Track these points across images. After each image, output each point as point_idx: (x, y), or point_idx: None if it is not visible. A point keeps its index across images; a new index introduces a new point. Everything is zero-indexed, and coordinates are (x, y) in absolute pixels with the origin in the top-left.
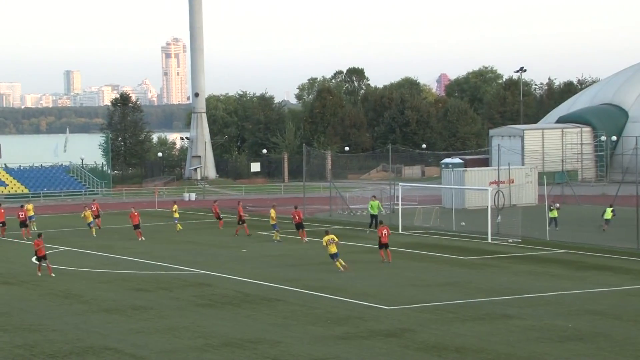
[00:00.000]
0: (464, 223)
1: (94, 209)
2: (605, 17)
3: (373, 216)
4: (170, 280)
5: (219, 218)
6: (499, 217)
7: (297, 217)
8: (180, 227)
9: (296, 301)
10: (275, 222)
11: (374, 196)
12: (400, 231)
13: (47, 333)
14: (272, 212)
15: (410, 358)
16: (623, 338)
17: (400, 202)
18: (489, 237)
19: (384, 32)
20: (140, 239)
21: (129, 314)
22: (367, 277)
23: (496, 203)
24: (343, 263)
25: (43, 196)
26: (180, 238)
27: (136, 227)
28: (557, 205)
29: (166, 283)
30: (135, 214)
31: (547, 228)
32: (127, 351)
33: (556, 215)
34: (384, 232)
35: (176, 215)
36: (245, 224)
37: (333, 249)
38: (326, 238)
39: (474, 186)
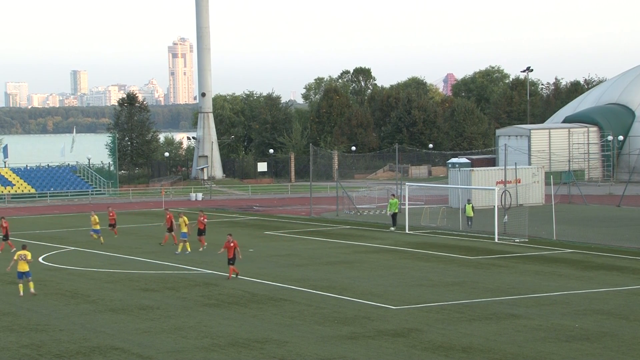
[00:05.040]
0: (472, 224)
1: None
2: (611, 17)
3: (394, 215)
4: (177, 280)
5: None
6: (506, 217)
7: (201, 224)
8: (102, 241)
9: (303, 301)
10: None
11: (394, 194)
12: (407, 231)
13: (54, 333)
14: (186, 220)
15: (417, 358)
16: (630, 338)
17: (407, 202)
18: (496, 236)
19: (391, 32)
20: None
21: (136, 314)
22: (373, 277)
23: (503, 203)
24: (32, 289)
25: (50, 196)
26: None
27: (4, 238)
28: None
29: (173, 283)
30: (5, 224)
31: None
32: (134, 351)
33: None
34: (232, 245)
35: (97, 227)
36: (115, 228)
37: (24, 267)
38: (18, 253)
39: (480, 186)
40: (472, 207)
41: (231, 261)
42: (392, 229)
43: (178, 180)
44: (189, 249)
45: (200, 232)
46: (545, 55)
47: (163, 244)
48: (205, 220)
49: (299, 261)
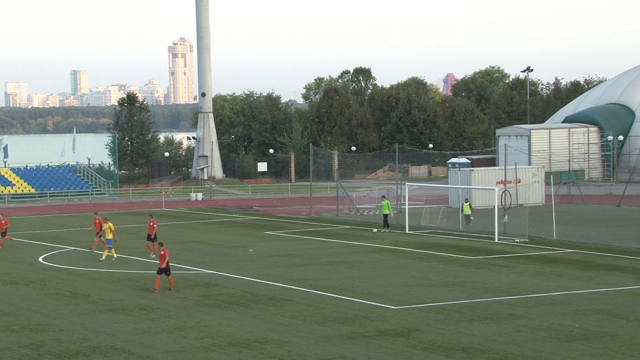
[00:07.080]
0: (471, 223)
1: None
2: (611, 17)
3: (385, 216)
4: (177, 280)
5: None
6: (506, 217)
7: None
8: None
9: (303, 301)
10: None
11: (384, 196)
12: (407, 231)
13: (54, 333)
14: (111, 226)
15: (417, 358)
16: (630, 338)
17: (407, 202)
18: (496, 236)
19: (391, 32)
20: None
21: (136, 314)
22: (373, 276)
23: (503, 203)
24: None
25: (50, 196)
26: (186, 238)
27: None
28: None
29: (173, 283)
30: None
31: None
32: (134, 351)
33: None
34: (162, 253)
35: None
36: (5, 237)
37: None
38: None
39: (480, 186)
40: (470, 205)
41: (162, 271)
42: (375, 230)
43: (178, 180)
44: (115, 256)
45: (150, 238)
46: (545, 55)
47: (93, 249)
48: (155, 225)
49: (299, 261)
